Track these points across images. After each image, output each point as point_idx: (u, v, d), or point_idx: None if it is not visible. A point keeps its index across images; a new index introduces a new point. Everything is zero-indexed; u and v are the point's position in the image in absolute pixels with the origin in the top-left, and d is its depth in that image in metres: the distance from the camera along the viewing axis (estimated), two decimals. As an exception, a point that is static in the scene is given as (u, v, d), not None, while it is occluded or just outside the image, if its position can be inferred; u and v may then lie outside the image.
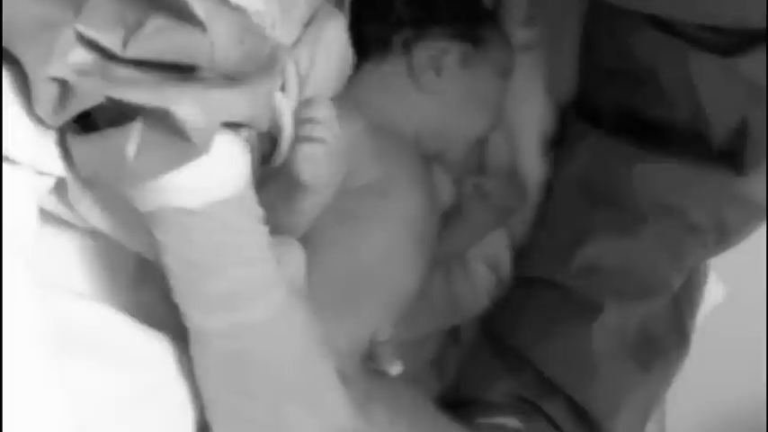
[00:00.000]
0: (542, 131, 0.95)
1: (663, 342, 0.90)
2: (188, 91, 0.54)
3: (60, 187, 0.63)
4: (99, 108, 0.55)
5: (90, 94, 0.54)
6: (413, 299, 0.85)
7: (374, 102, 0.85)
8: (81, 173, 0.60)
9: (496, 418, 0.87)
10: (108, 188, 0.63)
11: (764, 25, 0.72)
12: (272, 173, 0.71)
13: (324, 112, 0.71)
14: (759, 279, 1.21)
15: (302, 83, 0.76)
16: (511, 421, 0.86)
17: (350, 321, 0.78)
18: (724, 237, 0.88)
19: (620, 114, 0.88)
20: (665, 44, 0.81)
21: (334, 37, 0.79)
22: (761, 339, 1.22)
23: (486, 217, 0.92)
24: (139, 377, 0.67)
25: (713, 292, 0.94)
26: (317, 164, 0.70)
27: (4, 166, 0.57)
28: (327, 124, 0.70)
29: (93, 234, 0.67)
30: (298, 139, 0.70)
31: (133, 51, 0.54)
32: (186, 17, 0.55)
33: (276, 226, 0.66)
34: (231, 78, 0.57)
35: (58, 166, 0.60)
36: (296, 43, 0.75)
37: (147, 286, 0.70)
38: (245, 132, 0.61)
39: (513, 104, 0.93)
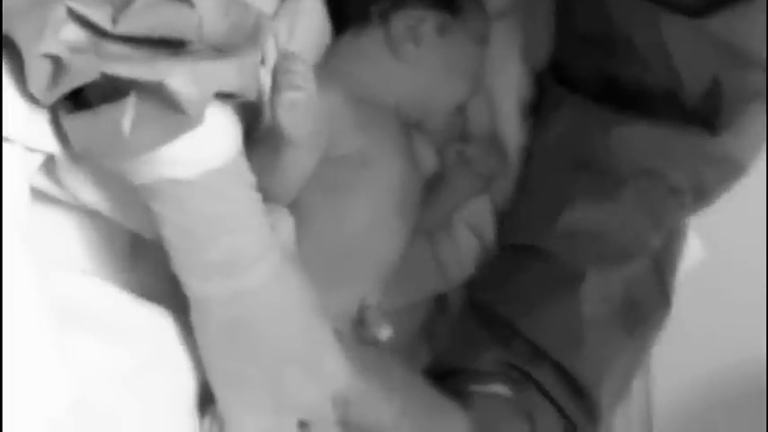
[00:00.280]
0: (520, 97, 0.95)
1: (646, 304, 0.91)
2: (180, 64, 0.55)
3: (49, 164, 0.63)
4: (91, 85, 0.56)
5: (84, 71, 0.55)
6: (397, 266, 0.86)
7: (353, 72, 0.86)
8: (75, 149, 0.60)
9: (487, 386, 0.87)
10: (101, 164, 0.63)
11: None
12: (255, 141, 0.72)
13: (300, 65, 0.71)
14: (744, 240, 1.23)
15: (281, 55, 0.76)
16: (501, 389, 0.87)
17: (337, 291, 0.79)
18: (702, 196, 0.89)
19: (597, 79, 0.89)
20: (638, 7, 0.82)
21: (312, 8, 0.80)
22: (761, 296, 1.24)
23: (469, 182, 0.92)
24: (139, 350, 0.68)
25: (692, 249, 0.96)
26: (297, 112, 0.70)
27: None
28: (304, 75, 0.70)
29: (84, 211, 0.68)
30: (276, 90, 0.70)
31: (123, 28, 0.55)
32: None
33: (264, 194, 0.66)
34: (219, 50, 0.57)
35: (47, 144, 0.61)
36: (274, 15, 0.76)
37: (140, 263, 0.71)
38: (231, 103, 0.62)
39: (490, 71, 0.94)
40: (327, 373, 0.70)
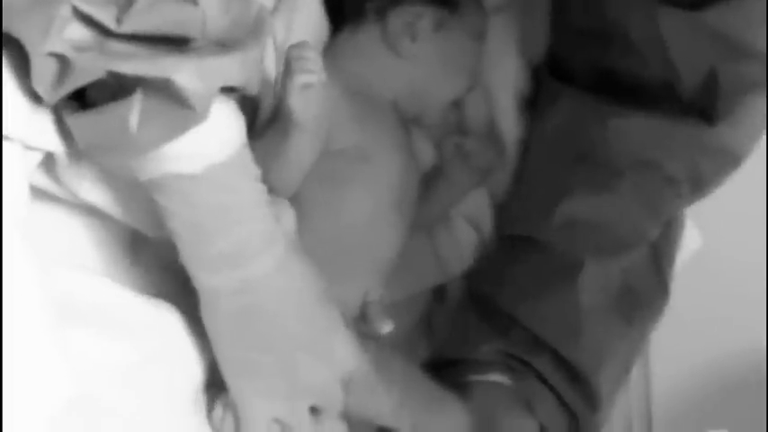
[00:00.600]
0: (517, 91, 0.96)
1: (644, 293, 0.91)
2: (185, 60, 0.56)
3: (48, 162, 0.64)
4: (95, 84, 0.56)
5: (90, 69, 0.55)
6: (396, 260, 0.86)
7: (351, 69, 0.86)
8: (79, 148, 0.61)
9: (486, 375, 0.88)
10: (105, 162, 0.64)
11: None
12: (256, 133, 0.72)
13: (312, 52, 0.72)
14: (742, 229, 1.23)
15: (279, 51, 0.77)
16: (500, 377, 0.88)
17: (338, 285, 0.79)
18: (699, 186, 0.90)
19: (593, 72, 0.89)
20: (635, 1, 0.83)
21: (310, 4, 0.80)
22: (745, 291, 1.24)
23: (467, 176, 0.93)
24: (139, 345, 0.69)
25: (690, 239, 0.96)
26: (308, 96, 0.71)
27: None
28: (315, 61, 0.71)
29: (84, 209, 0.68)
30: (290, 73, 0.70)
31: (127, 27, 0.55)
32: None
33: (267, 187, 0.67)
34: (222, 45, 0.58)
35: (47, 142, 0.61)
36: (273, 12, 0.76)
37: (140, 259, 0.72)
38: (234, 97, 0.62)
39: (487, 66, 0.94)
40: (337, 356, 0.71)
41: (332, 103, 0.79)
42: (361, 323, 0.79)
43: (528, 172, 0.95)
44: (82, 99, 0.59)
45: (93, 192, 0.66)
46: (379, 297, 0.82)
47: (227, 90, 0.60)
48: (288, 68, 0.70)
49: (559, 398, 0.88)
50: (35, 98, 0.59)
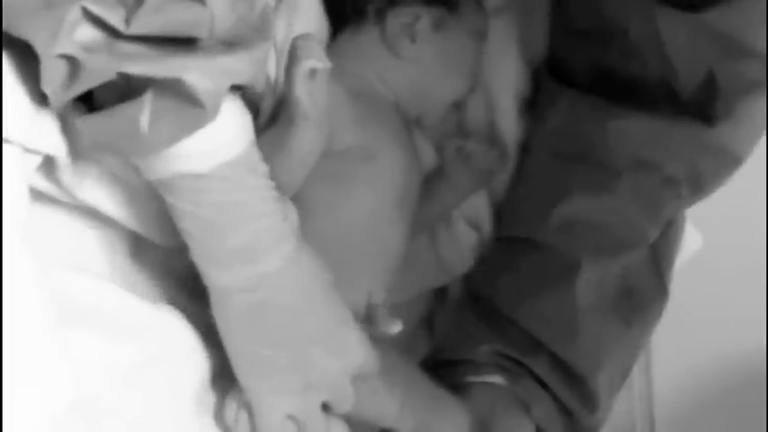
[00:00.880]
0: (518, 93, 0.96)
1: (643, 295, 0.92)
2: (194, 60, 0.56)
3: (48, 165, 0.64)
4: (103, 85, 0.56)
5: (100, 71, 0.55)
6: (400, 261, 0.86)
7: (352, 70, 0.86)
8: (90, 150, 0.61)
9: (484, 376, 0.88)
10: (111, 164, 0.64)
11: None
12: (259, 130, 0.72)
13: (316, 43, 0.72)
14: (742, 230, 1.23)
15: (279, 52, 0.77)
16: (496, 379, 0.88)
17: (342, 286, 0.79)
18: (699, 187, 0.90)
19: (592, 73, 0.90)
20: (635, 3, 0.83)
21: (310, 6, 0.80)
22: (747, 291, 1.24)
23: (468, 179, 0.93)
24: (140, 346, 0.69)
25: (690, 241, 0.96)
26: (314, 84, 0.70)
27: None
28: (320, 52, 0.71)
29: (85, 211, 0.68)
30: (296, 61, 0.70)
31: (136, 28, 0.55)
32: None
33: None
34: (229, 44, 0.58)
35: (47, 145, 0.61)
36: (273, 11, 0.76)
37: (141, 262, 0.72)
38: (240, 94, 0.63)
39: (488, 67, 0.94)
40: (349, 348, 0.71)
41: (335, 102, 0.79)
42: (366, 325, 0.79)
43: (526, 173, 0.95)
44: (86, 100, 0.59)
45: (93, 194, 0.66)
46: (383, 299, 0.82)
47: (234, 88, 0.60)
48: (293, 56, 0.70)
49: (556, 399, 0.89)
50: (35, 101, 0.59)
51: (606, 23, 0.86)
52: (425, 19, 0.88)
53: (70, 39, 0.54)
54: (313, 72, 0.70)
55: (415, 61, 0.88)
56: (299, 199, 0.77)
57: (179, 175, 0.61)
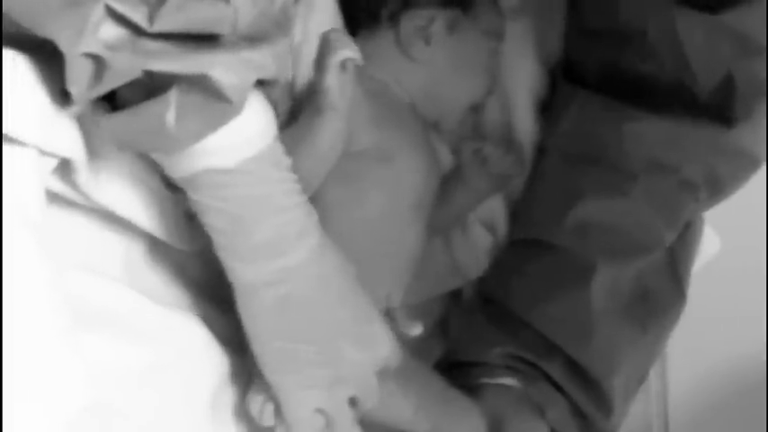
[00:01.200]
0: (535, 95, 0.96)
1: (659, 298, 0.91)
2: (219, 55, 0.56)
3: (64, 167, 0.64)
4: (127, 84, 0.56)
5: (126, 69, 0.55)
6: (415, 263, 0.86)
7: (368, 73, 0.86)
8: (116, 148, 0.62)
9: (498, 378, 0.88)
10: (132, 164, 0.65)
11: None
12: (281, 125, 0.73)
13: (347, 37, 0.72)
14: (759, 234, 1.23)
15: (295, 53, 0.77)
16: (510, 381, 0.88)
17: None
18: (716, 189, 0.90)
19: (607, 74, 0.90)
20: (653, 5, 0.83)
21: (326, 8, 0.80)
22: (761, 293, 1.24)
23: (485, 182, 0.93)
24: (155, 349, 0.69)
25: (708, 244, 0.96)
26: (345, 75, 0.71)
27: (7, 145, 0.58)
28: (353, 44, 0.71)
29: (100, 214, 0.68)
30: (330, 51, 0.70)
31: (159, 26, 0.55)
32: None
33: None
34: (251, 39, 0.58)
35: (63, 148, 0.61)
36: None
37: (157, 265, 0.72)
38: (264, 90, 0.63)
39: (505, 69, 0.94)
40: (376, 341, 0.71)
41: (353, 103, 0.79)
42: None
43: (541, 175, 0.94)
44: (107, 98, 0.59)
45: (109, 196, 0.66)
46: (400, 301, 0.82)
47: (256, 84, 0.60)
48: (327, 46, 0.70)
49: (571, 402, 0.89)
50: (50, 104, 0.59)
51: (623, 24, 0.86)
52: (439, 21, 0.88)
53: (95, 37, 0.54)
54: (344, 64, 0.70)
55: (430, 64, 0.88)
56: (315, 199, 0.76)
57: (204, 170, 0.61)
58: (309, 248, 0.66)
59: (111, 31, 0.55)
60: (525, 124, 0.95)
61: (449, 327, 0.98)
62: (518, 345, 0.89)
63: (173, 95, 0.56)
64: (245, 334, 0.69)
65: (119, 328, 0.68)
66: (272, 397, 0.71)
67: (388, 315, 0.79)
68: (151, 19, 0.55)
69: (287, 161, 0.65)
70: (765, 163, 0.90)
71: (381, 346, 0.72)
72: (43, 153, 0.61)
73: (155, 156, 0.62)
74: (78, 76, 0.55)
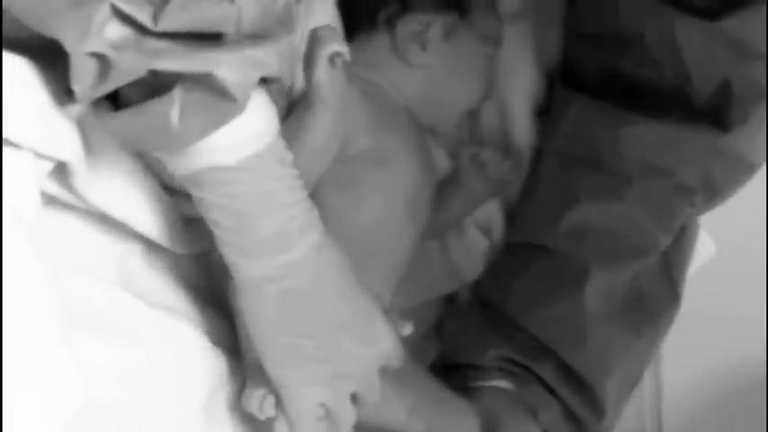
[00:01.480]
0: (532, 99, 0.96)
1: (653, 302, 0.92)
2: (223, 54, 0.56)
3: (60, 170, 0.64)
4: (130, 82, 0.56)
5: (131, 68, 0.55)
6: (406, 265, 0.86)
7: (364, 77, 0.86)
8: (120, 146, 0.62)
9: (491, 381, 0.89)
10: (130, 165, 0.65)
11: None
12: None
13: (336, 31, 0.72)
14: (755, 237, 1.23)
15: (294, 54, 0.77)
16: (505, 384, 0.88)
17: None
18: (712, 194, 0.90)
19: (605, 78, 0.90)
20: (651, 10, 0.83)
21: (324, 10, 0.80)
22: (759, 294, 1.24)
23: (482, 187, 0.93)
24: (150, 351, 0.69)
25: (703, 248, 0.96)
26: (335, 69, 0.70)
27: (3, 148, 0.58)
28: (341, 38, 0.71)
29: (96, 217, 0.68)
30: (319, 44, 0.70)
31: (164, 25, 0.55)
32: None
33: None
34: (254, 36, 0.58)
35: (60, 151, 0.61)
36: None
37: (153, 268, 0.72)
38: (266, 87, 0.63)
39: (503, 74, 0.94)
40: (378, 337, 0.71)
41: (349, 105, 0.79)
42: None
43: (537, 178, 0.95)
44: (108, 97, 0.59)
45: (105, 199, 0.66)
46: (389, 303, 0.82)
47: (259, 82, 0.60)
48: (316, 41, 0.70)
49: (563, 405, 0.89)
50: (47, 106, 0.59)
51: (621, 28, 0.86)
52: (436, 27, 0.88)
53: (100, 37, 0.54)
54: (333, 58, 0.70)
55: (426, 69, 0.88)
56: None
57: (208, 168, 0.61)
58: (312, 244, 0.66)
59: (116, 30, 0.55)
60: (523, 129, 0.95)
61: (444, 329, 0.98)
62: (512, 348, 0.89)
63: (177, 94, 0.56)
64: (247, 331, 0.69)
65: (115, 331, 0.68)
66: (273, 391, 0.71)
67: None
68: (156, 18, 0.55)
69: (289, 157, 0.65)
70: (758, 169, 0.90)
71: (383, 343, 0.72)
72: (39, 156, 0.61)
73: (158, 154, 0.62)
74: (83, 76, 0.55)
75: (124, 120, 0.58)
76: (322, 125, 0.72)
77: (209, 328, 0.73)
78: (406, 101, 0.88)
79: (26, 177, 0.59)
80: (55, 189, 0.65)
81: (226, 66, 0.56)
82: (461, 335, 0.93)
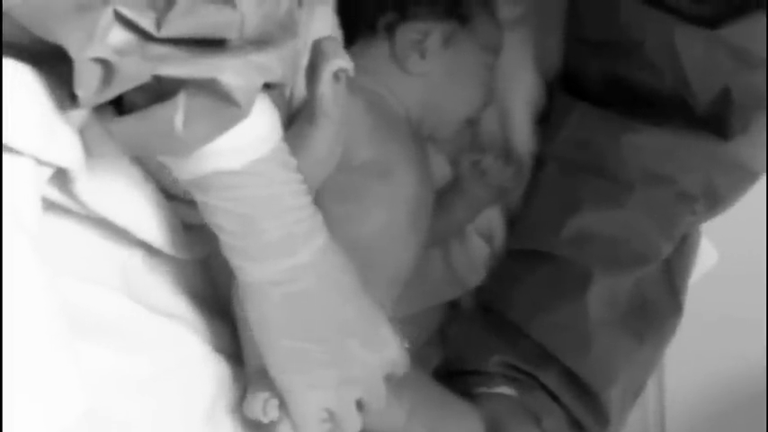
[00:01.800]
0: (533, 107, 0.96)
1: (656, 309, 0.92)
2: (227, 59, 0.56)
3: (61, 176, 0.64)
4: (134, 88, 0.57)
5: (135, 74, 0.55)
6: (409, 275, 0.86)
7: (364, 85, 0.86)
8: (125, 151, 0.62)
9: (494, 387, 0.89)
10: (133, 171, 0.65)
11: None
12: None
13: (340, 44, 0.72)
14: (756, 243, 1.23)
15: (296, 63, 0.77)
16: (508, 390, 0.88)
17: None
18: (714, 202, 0.90)
19: (606, 85, 0.90)
20: (652, 18, 0.83)
21: (324, 17, 0.80)
22: (760, 301, 1.24)
23: (483, 194, 0.93)
24: (154, 359, 0.69)
25: (705, 256, 0.96)
26: (339, 84, 0.71)
27: (4, 154, 0.58)
28: (345, 53, 0.71)
29: (97, 222, 0.68)
30: (325, 58, 0.70)
31: (167, 31, 0.55)
32: None
33: None
34: (257, 42, 0.58)
35: (60, 158, 0.61)
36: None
37: (155, 274, 0.72)
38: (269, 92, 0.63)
39: (503, 81, 0.94)
40: (385, 342, 0.71)
41: (353, 116, 0.79)
42: None
43: (539, 185, 0.95)
44: (114, 102, 0.59)
45: (106, 205, 0.66)
46: (391, 313, 0.82)
47: (265, 86, 0.61)
48: (321, 54, 0.70)
49: (567, 412, 0.89)
50: (48, 113, 0.59)
51: (622, 36, 0.86)
52: (435, 35, 0.88)
53: (104, 42, 0.54)
54: (336, 74, 0.70)
55: (425, 77, 0.88)
56: None
57: (213, 172, 0.61)
58: (317, 248, 0.66)
59: (119, 36, 0.55)
60: (523, 135, 0.96)
61: (447, 336, 0.98)
62: (515, 354, 0.89)
63: (181, 99, 0.56)
64: (253, 336, 0.69)
65: (116, 338, 0.68)
66: (276, 395, 0.71)
67: None
68: (159, 24, 0.55)
69: (293, 162, 0.65)
70: (760, 176, 0.90)
71: (389, 349, 0.72)
72: (40, 162, 0.61)
73: (162, 159, 0.62)
74: (87, 81, 0.55)
75: (128, 125, 0.58)
76: (324, 138, 0.72)
77: (210, 335, 0.74)
78: (406, 109, 0.88)
79: (27, 183, 0.59)
80: (55, 195, 0.65)
81: (229, 71, 0.56)
82: (464, 341, 0.93)
